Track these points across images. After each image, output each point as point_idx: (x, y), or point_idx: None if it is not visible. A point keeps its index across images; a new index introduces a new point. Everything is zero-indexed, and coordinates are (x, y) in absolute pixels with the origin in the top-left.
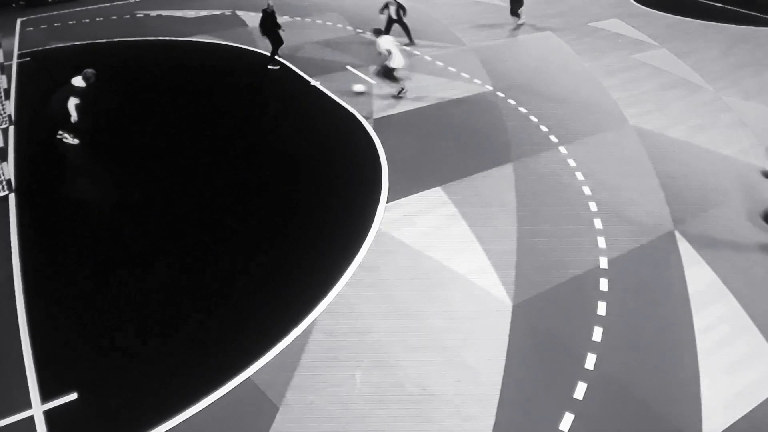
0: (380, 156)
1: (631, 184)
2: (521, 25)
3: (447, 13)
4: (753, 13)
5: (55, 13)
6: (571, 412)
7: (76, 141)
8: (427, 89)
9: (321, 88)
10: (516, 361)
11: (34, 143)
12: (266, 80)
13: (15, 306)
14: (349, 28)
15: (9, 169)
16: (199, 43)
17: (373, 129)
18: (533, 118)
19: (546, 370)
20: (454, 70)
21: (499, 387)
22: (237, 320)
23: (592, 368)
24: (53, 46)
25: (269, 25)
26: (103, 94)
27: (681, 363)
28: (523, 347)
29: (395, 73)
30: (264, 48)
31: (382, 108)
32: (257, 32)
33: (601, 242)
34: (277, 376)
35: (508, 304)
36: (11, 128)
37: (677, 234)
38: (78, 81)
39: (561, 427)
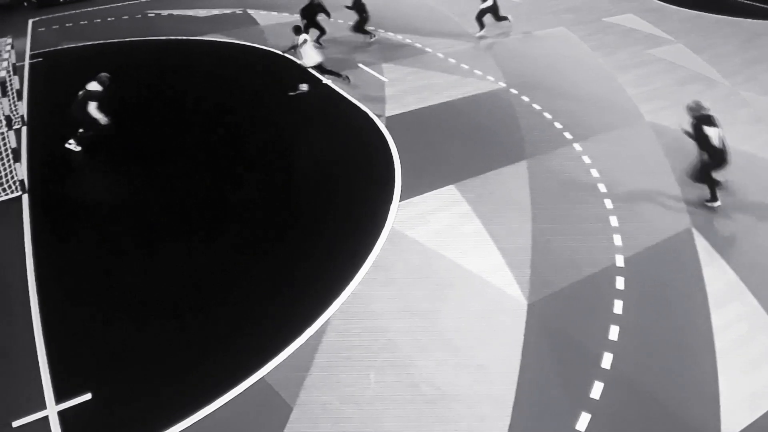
0: (393, 154)
1: (647, 181)
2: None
3: (459, 10)
4: None
5: (66, 13)
6: (588, 411)
7: (78, 148)
8: (439, 87)
9: (333, 86)
10: (531, 360)
11: (47, 144)
12: (279, 79)
13: (29, 306)
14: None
15: (22, 170)
16: (210, 42)
17: (386, 127)
18: (547, 115)
19: (562, 370)
20: (466, 67)
21: (514, 387)
22: (251, 320)
23: (608, 368)
24: (65, 46)
25: (311, 14)
26: (117, 95)
27: (699, 362)
28: (539, 347)
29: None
30: (273, 46)
31: (395, 106)
32: (268, 31)
33: (617, 240)
34: (290, 375)
35: (522, 303)
36: (24, 129)
37: (694, 231)
38: (94, 86)
39: (578, 427)
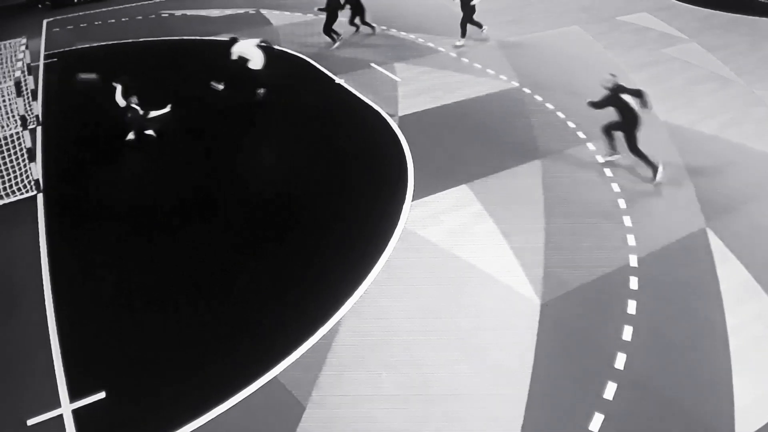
0: (405, 153)
1: (662, 181)
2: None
3: None
4: None
5: (80, 13)
6: (601, 412)
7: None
8: (452, 86)
9: (346, 85)
10: (544, 360)
11: (61, 144)
12: (292, 78)
13: (44, 305)
14: (373, 25)
15: (37, 169)
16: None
17: (398, 127)
18: (560, 114)
19: (575, 370)
20: (479, 66)
21: (527, 387)
22: (264, 319)
23: (622, 368)
24: (79, 46)
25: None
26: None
27: (713, 362)
28: (552, 346)
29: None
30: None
31: (407, 106)
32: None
33: (631, 240)
34: (303, 375)
35: (536, 303)
36: (39, 129)
37: (709, 231)
38: (118, 91)
39: (591, 428)
